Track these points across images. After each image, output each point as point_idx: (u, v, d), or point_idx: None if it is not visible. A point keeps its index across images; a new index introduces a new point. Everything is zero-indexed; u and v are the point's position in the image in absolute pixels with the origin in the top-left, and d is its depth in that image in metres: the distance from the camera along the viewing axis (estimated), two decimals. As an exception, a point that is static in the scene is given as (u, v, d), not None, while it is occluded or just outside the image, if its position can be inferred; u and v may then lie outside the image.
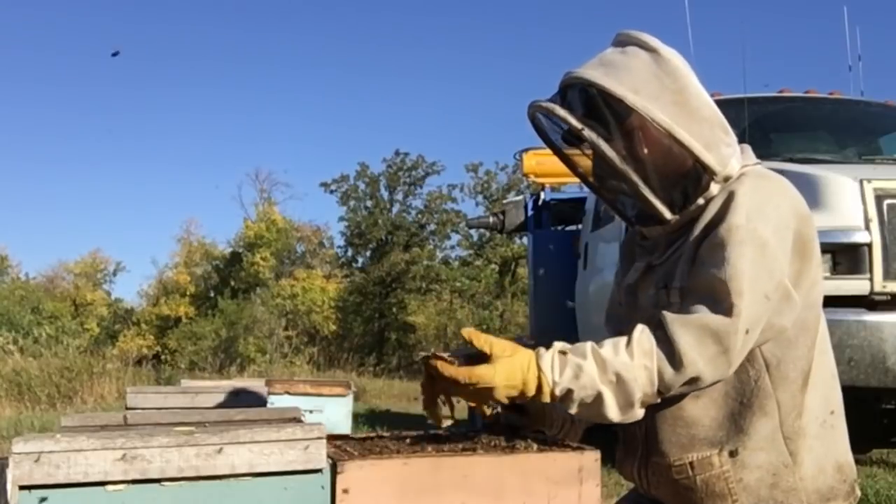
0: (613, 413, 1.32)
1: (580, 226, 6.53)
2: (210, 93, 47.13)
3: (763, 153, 5.66)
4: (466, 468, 1.21)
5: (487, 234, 24.67)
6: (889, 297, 4.10)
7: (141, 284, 44.97)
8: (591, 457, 1.28)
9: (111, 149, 48.69)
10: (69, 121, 47.22)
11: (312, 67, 46.72)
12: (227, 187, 63.62)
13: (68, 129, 47.39)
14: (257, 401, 2.01)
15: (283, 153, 48.84)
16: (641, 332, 1.34)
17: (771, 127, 5.70)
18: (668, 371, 1.31)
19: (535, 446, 1.35)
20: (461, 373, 1.29)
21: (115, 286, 38.27)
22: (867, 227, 4.11)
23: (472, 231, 27.68)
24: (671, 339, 1.31)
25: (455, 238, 29.37)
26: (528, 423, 1.53)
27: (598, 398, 1.31)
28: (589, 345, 1.34)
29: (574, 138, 1.47)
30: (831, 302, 4.10)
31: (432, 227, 29.77)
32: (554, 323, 6.48)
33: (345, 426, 4.21)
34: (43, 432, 1.79)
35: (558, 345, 1.35)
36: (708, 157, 1.41)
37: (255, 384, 2.66)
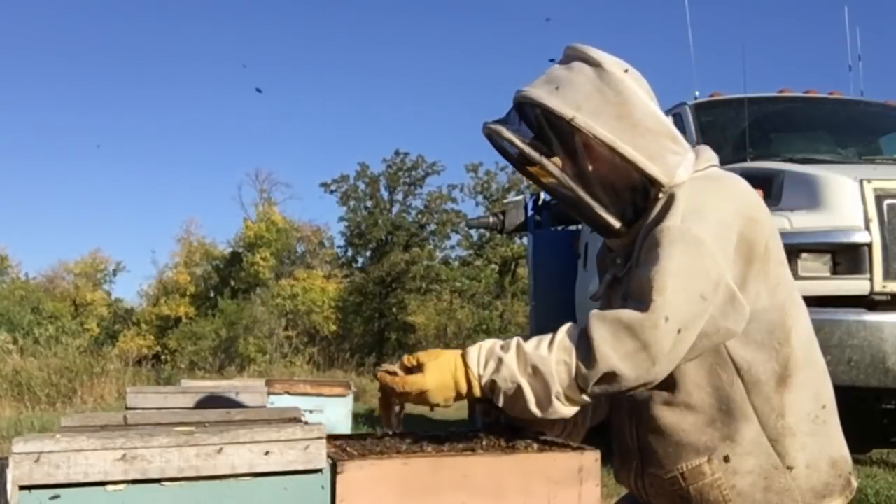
0: (533, 406, 1.33)
1: (580, 226, 6.53)
2: (210, 93, 47.14)
3: (763, 153, 5.70)
4: (466, 468, 1.21)
5: (487, 234, 24.67)
6: (889, 297, 4.10)
7: (141, 284, 45.03)
8: (591, 457, 1.28)
9: (111, 149, 48.69)
10: (69, 121, 47.24)
11: (312, 67, 46.75)
12: (227, 187, 63.63)
13: (68, 129, 47.41)
14: (257, 401, 2.01)
15: (283, 153, 48.84)
16: (566, 330, 1.35)
17: (771, 127, 5.70)
18: (583, 366, 1.31)
19: (535, 446, 1.35)
20: (396, 382, 1.37)
21: (115, 286, 38.29)
22: (867, 227, 4.11)
23: (472, 231, 27.68)
24: (588, 334, 1.31)
25: (455, 238, 29.37)
26: (529, 423, 1.54)
27: (519, 391, 1.33)
28: (515, 339, 1.36)
29: (524, 158, 1.51)
30: (831, 302, 4.15)
31: (432, 227, 29.76)
32: (554, 323, 6.45)
33: (345, 426, 4.21)
34: (43, 432, 1.79)
35: (488, 342, 1.38)
36: (653, 169, 1.41)
37: (255, 384, 2.66)
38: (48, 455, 1.05)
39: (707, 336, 1.34)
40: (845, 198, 4.19)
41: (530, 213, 7.22)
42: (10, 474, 1.03)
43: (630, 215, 1.46)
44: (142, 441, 1.08)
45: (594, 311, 1.35)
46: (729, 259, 1.36)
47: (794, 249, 4.17)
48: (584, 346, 1.31)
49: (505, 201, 8.97)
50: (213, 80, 47.81)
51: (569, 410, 1.34)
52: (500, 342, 1.38)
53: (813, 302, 4.10)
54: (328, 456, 1.19)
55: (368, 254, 30.20)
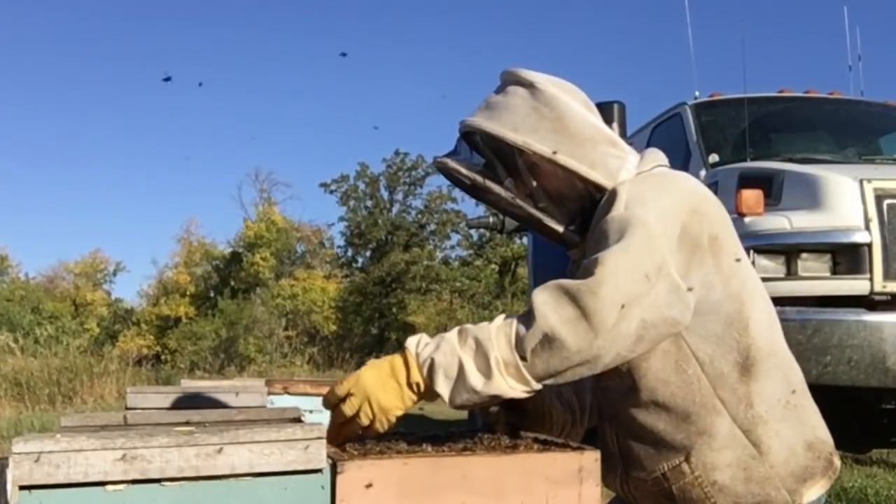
0: (475, 379, 1.27)
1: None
2: (210, 93, 47.15)
3: (763, 153, 5.70)
4: (466, 468, 1.21)
5: (487, 234, 24.68)
6: (889, 297, 4.10)
7: (141, 284, 45.04)
8: (592, 457, 1.28)
9: (112, 149, 48.70)
10: (69, 121, 47.26)
11: (312, 68, 46.77)
12: (227, 187, 63.65)
13: (68, 129, 47.43)
14: (257, 401, 2.01)
15: (283, 153, 48.86)
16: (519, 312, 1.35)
17: (771, 127, 5.70)
18: (522, 329, 1.27)
19: (535, 446, 1.35)
20: (329, 393, 1.34)
21: (115, 286, 38.31)
22: (867, 227, 4.11)
23: (472, 231, 27.72)
24: (531, 299, 1.30)
25: (455, 238, 29.41)
26: (529, 424, 1.54)
27: (460, 366, 1.27)
28: (459, 326, 1.36)
29: (474, 186, 1.54)
30: (831, 302, 4.15)
31: (432, 227, 29.79)
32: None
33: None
34: (43, 432, 1.79)
35: (412, 338, 1.36)
36: (595, 175, 1.46)
37: (255, 384, 2.66)
38: (48, 455, 1.05)
39: (654, 326, 1.29)
40: (845, 198, 4.19)
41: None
42: (10, 474, 1.03)
43: (580, 224, 1.51)
44: (142, 441, 1.08)
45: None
46: (672, 247, 1.35)
47: (794, 249, 4.18)
48: (526, 313, 1.30)
49: (505, 201, 8.95)
50: (214, 81, 47.84)
51: (512, 386, 1.27)
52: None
53: (813, 302, 4.14)
54: (328, 456, 1.19)
55: (368, 254, 30.21)
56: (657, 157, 1.55)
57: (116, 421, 1.47)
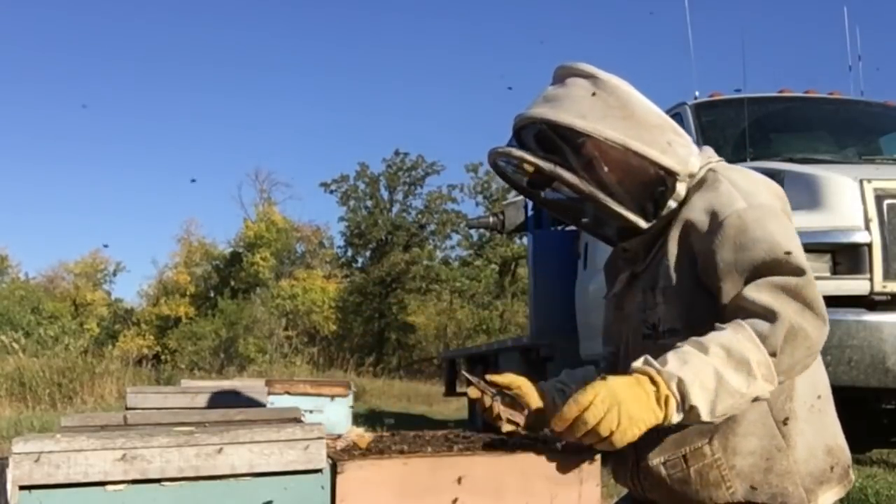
0: (738, 383, 1.25)
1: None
2: (210, 93, 47.16)
3: (763, 153, 5.68)
4: (466, 468, 1.21)
5: (487, 234, 24.66)
6: (889, 297, 4.09)
7: (141, 284, 45.02)
8: (592, 457, 1.28)
9: (112, 149, 48.70)
10: (69, 121, 47.25)
11: (312, 67, 46.76)
12: (227, 187, 63.64)
13: (68, 129, 47.43)
14: (257, 401, 2.01)
15: (283, 153, 48.86)
16: (719, 324, 1.34)
17: (771, 127, 5.69)
18: (765, 326, 1.29)
19: (535, 446, 1.35)
20: (578, 395, 1.24)
21: (115, 286, 38.29)
22: (867, 227, 4.11)
23: (472, 231, 27.72)
24: (750, 300, 1.32)
25: (455, 238, 29.43)
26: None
27: (717, 375, 1.26)
28: (678, 343, 1.32)
29: (538, 176, 1.52)
30: (831, 302, 4.13)
31: (432, 227, 29.81)
32: (554, 323, 6.48)
33: (345, 426, 4.20)
34: (43, 432, 1.79)
35: (638, 361, 1.30)
36: (667, 161, 1.45)
37: (255, 384, 2.66)
38: (48, 455, 1.05)
39: None
40: (845, 198, 4.18)
41: (530, 213, 7.22)
42: (10, 474, 1.03)
43: (651, 210, 1.49)
44: (142, 441, 1.08)
45: (746, 288, 1.34)
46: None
47: (794, 249, 4.16)
48: (754, 311, 1.32)
49: (505, 201, 8.96)
50: (214, 80, 47.83)
51: (768, 388, 1.30)
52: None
53: (813, 302, 4.13)
54: (328, 456, 1.19)
55: (368, 254, 30.22)
56: (712, 151, 1.58)
57: (116, 421, 1.47)
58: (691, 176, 1.48)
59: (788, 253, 1.34)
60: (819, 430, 1.47)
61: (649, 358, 1.30)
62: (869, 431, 4.76)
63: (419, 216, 29.88)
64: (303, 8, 46.18)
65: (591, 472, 1.26)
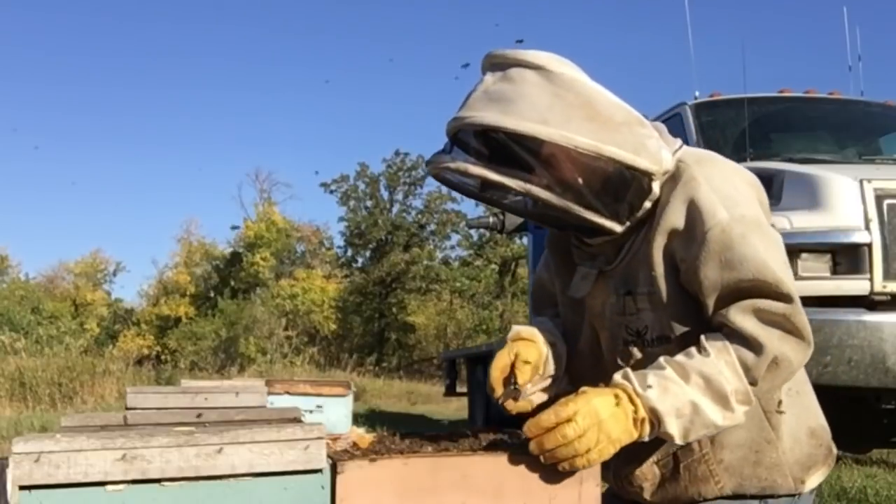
0: (714, 415, 1.27)
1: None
2: (210, 93, 47.17)
3: (763, 153, 5.68)
4: (466, 468, 1.21)
5: (487, 234, 24.67)
6: (889, 297, 4.10)
7: (141, 284, 45.02)
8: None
9: (112, 149, 48.69)
10: (69, 121, 47.25)
11: (313, 67, 46.76)
12: (227, 187, 63.64)
13: (69, 129, 47.43)
14: (257, 401, 2.01)
15: (283, 153, 48.86)
16: (707, 337, 1.32)
17: (771, 127, 5.70)
18: (749, 356, 1.28)
19: (535, 446, 1.35)
20: (557, 408, 1.23)
21: (115, 286, 38.31)
22: (867, 227, 4.11)
23: (472, 231, 27.71)
24: (736, 326, 1.29)
25: (455, 238, 29.42)
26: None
27: (693, 406, 1.26)
28: (662, 358, 1.31)
29: (495, 189, 1.37)
30: (831, 302, 4.14)
31: (432, 227, 29.81)
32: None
33: (345, 426, 4.19)
34: (43, 432, 1.79)
35: (619, 374, 1.30)
36: (642, 163, 1.33)
37: (255, 384, 2.65)
38: (48, 455, 1.05)
39: None
40: (845, 198, 4.18)
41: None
42: (10, 474, 1.03)
43: (625, 213, 1.38)
44: (142, 441, 1.08)
45: (723, 312, 1.32)
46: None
47: (794, 249, 4.17)
48: (741, 338, 1.30)
49: (505, 201, 8.95)
50: (214, 80, 47.84)
51: (743, 411, 1.30)
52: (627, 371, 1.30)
53: (813, 302, 4.14)
54: (328, 456, 1.19)
55: (368, 254, 30.22)
56: (665, 130, 1.46)
57: (116, 421, 1.47)
58: (665, 173, 1.38)
59: (777, 280, 1.30)
60: (800, 414, 1.46)
61: (629, 373, 1.29)
62: (869, 431, 4.76)
63: (419, 216, 29.88)
64: (303, 8, 46.20)
65: (591, 472, 1.26)
